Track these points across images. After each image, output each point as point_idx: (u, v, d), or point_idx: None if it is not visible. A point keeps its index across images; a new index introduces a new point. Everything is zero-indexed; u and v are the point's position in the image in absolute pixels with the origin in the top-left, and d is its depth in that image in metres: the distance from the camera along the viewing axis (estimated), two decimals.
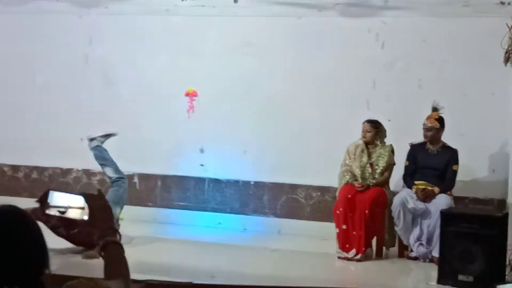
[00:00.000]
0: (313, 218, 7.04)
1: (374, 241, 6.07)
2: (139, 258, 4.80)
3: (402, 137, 6.39)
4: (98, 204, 1.92)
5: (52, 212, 1.86)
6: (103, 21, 7.65)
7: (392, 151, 6.18)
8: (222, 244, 6.55)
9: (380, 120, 6.25)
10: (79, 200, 1.94)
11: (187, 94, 7.47)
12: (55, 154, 7.77)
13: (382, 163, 6.08)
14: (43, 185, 7.73)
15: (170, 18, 7.45)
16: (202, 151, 7.46)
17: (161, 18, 7.47)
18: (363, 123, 6.19)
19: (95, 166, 7.61)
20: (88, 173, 7.71)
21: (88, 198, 1.93)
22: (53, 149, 7.76)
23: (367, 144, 6.16)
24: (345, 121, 6.91)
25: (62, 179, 7.78)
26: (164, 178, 7.53)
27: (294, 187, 7.18)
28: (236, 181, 7.35)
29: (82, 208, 1.93)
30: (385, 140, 6.23)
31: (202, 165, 7.45)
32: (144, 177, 7.57)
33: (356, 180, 6.04)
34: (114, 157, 7.51)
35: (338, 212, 5.91)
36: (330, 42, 7.09)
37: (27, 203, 7.34)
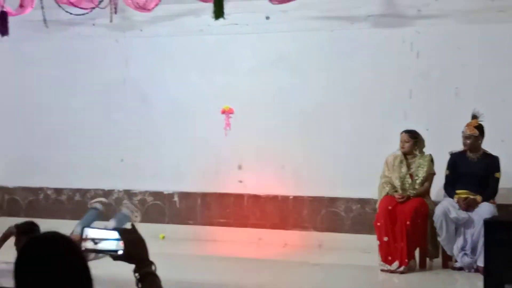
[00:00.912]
0: (354, 231, 6.99)
1: (417, 253, 5.99)
2: (181, 277, 4.86)
3: (441, 146, 6.32)
4: (132, 237, 1.96)
5: (88, 244, 1.89)
6: (139, 43, 7.80)
7: (432, 161, 6.11)
8: (263, 260, 6.56)
9: (418, 130, 6.19)
10: (114, 235, 1.96)
11: (223, 112, 7.53)
12: (96, 176, 7.92)
13: (421, 173, 6.02)
14: (86, 207, 7.89)
15: (204, 38, 7.55)
16: (240, 167, 7.50)
17: (195, 38, 7.58)
18: (401, 133, 6.14)
19: (135, 186, 7.77)
20: (129, 193, 7.82)
21: (122, 232, 1.96)
22: (94, 171, 7.91)
23: (405, 154, 6.10)
24: (383, 132, 6.88)
25: (105, 200, 7.89)
26: (204, 195, 7.59)
27: (333, 200, 7.15)
28: (275, 196, 7.36)
29: (117, 245, 1.95)
30: (424, 149, 6.17)
31: (240, 181, 7.48)
32: (184, 195, 7.64)
33: (396, 191, 5.99)
34: (151, 177, 7.68)
35: (379, 224, 5.86)
36: (364, 54, 7.08)
37: (71, 226, 7.55)
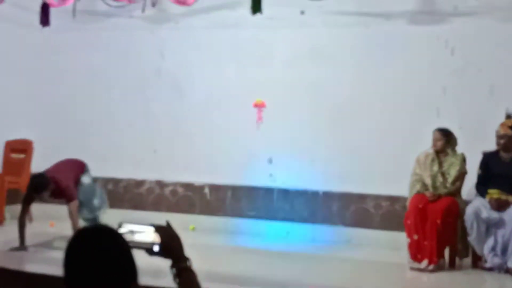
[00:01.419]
0: (383, 228, 6.98)
1: (447, 252, 5.96)
2: (211, 268, 4.92)
3: (474, 145, 6.27)
4: (168, 234, 2.02)
5: (126, 236, 1.95)
6: (174, 35, 7.88)
7: (464, 160, 6.06)
8: (291, 254, 6.58)
9: (450, 128, 6.14)
10: (150, 231, 2.02)
11: (256, 105, 7.58)
12: (129, 166, 8.04)
13: (453, 172, 5.97)
14: (118, 196, 8.03)
15: (239, 31, 7.60)
16: (270, 161, 7.54)
17: (230, 31, 7.63)
18: (433, 131, 6.09)
19: (167, 177, 7.87)
20: (160, 184, 7.92)
21: (158, 228, 2.02)
22: (127, 161, 8.04)
23: (437, 152, 6.06)
24: (415, 129, 6.85)
25: (136, 190, 8.03)
26: (234, 188, 7.65)
27: (363, 196, 7.15)
28: (305, 191, 7.38)
29: (153, 241, 2.00)
30: (456, 148, 6.12)
31: (271, 175, 7.53)
32: (214, 187, 7.71)
33: (427, 189, 5.96)
34: (183, 169, 7.77)
35: (409, 222, 5.84)
36: (398, 50, 7.05)
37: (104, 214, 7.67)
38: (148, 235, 2.01)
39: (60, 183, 6.16)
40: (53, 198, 6.39)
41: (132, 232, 2.02)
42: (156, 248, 1.99)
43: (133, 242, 1.97)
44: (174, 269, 1.96)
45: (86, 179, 6.59)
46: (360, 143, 7.16)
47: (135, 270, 1.80)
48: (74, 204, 6.24)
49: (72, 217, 6.19)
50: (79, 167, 6.63)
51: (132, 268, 1.80)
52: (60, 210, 7.97)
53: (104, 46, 8.17)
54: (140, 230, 2.02)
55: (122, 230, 2.01)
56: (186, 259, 2.00)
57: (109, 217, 7.70)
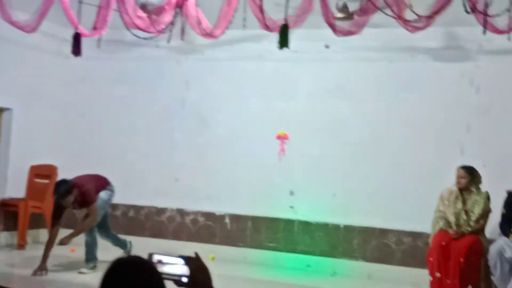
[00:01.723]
0: (404, 264, 6.93)
1: None
2: None
3: (498, 183, 6.22)
4: (197, 265, 2.03)
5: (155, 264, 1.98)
6: (200, 66, 7.99)
7: (488, 198, 6.02)
8: (311, 287, 6.54)
9: (474, 166, 6.12)
10: (179, 262, 2.03)
11: (279, 137, 7.61)
12: (151, 193, 8.09)
13: (477, 210, 5.93)
14: (139, 223, 8.07)
15: (263, 64, 7.68)
16: (292, 193, 7.54)
17: (255, 63, 7.72)
18: (458, 169, 6.07)
19: (188, 206, 7.89)
20: (181, 212, 7.95)
21: (188, 260, 2.03)
22: (149, 188, 8.09)
23: (461, 190, 6.03)
24: (438, 166, 6.83)
25: (157, 218, 8.06)
26: (255, 219, 7.65)
27: (384, 231, 7.11)
28: (326, 224, 7.36)
29: (182, 273, 2.01)
30: (480, 186, 6.08)
31: (292, 207, 7.52)
32: (235, 217, 7.72)
33: (450, 227, 5.92)
34: (204, 198, 7.80)
35: (431, 259, 5.79)
36: (423, 86, 7.07)
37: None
38: (177, 266, 2.02)
39: (82, 187, 6.29)
40: (76, 207, 6.45)
41: (161, 262, 2.03)
42: (184, 280, 2.00)
43: (162, 273, 1.98)
44: None
45: (104, 195, 6.66)
46: (383, 178, 7.15)
47: None
48: (94, 206, 6.38)
49: (86, 220, 6.38)
50: (103, 181, 6.76)
51: None
52: (82, 236, 8.04)
53: (130, 75, 8.30)
54: (169, 261, 2.03)
55: (152, 261, 2.02)
56: None
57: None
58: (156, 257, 2.04)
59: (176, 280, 2.01)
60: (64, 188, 6.19)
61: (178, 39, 6.75)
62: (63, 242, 6.31)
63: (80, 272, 6.36)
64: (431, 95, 7.02)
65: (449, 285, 5.67)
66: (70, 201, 6.26)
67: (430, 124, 7.00)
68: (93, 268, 6.44)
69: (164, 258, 2.04)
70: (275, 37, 6.55)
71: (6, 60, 7.62)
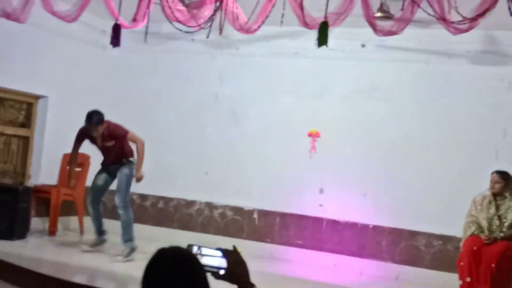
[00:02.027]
0: (433, 267, 6.88)
1: None
2: None
3: None
4: (234, 259, 2.03)
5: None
6: (234, 61, 8.01)
7: None
8: (338, 286, 6.52)
9: (509, 172, 6.04)
10: (217, 255, 2.03)
11: (310, 135, 7.60)
12: (180, 186, 8.14)
13: (511, 216, 5.85)
14: (168, 215, 8.13)
15: (298, 61, 7.67)
16: (321, 191, 7.53)
17: (290, 60, 7.71)
18: (492, 173, 6.00)
19: (217, 200, 7.92)
20: (210, 206, 7.99)
21: (225, 253, 2.02)
22: (179, 181, 8.14)
23: (495, 195, 5.96)
24: (471, 170, 6.76)
25: (186, 210, 8.11)
26: (283, 215, 7.65)
27: (414, 233, 7.06)
28: (355, 224, 7.34)
29: (220, 265, 2.01)
30: None
31: (321, 205, 7.51)
32: (263, 213, 7.73)
33: (482, 232, 5.85)
34: (234, 192, 7.82)
35: (462, 264, 5.74)
36: (459, 89, 7.00)
37: (153, 231, 7.79)
38: (214, 258, 2.02)
39: (111, 124, 6.57)
40: (105, 140, 6.59)
41: (199, 254, 2.03)
42: (222, 272, 2.00)
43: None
44: None
45: (128, 170, 6.69)
46: (414, 180, 7.09)
47: None
48: (130, 133, 6.59)
49: (137, 148, 6.62)
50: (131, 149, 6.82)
51: None
52: (112, 224, 8.14)
53: (165, 68, 8.35)
54: (207, 253, 2.03)
55: (192, 251, 2.02)
56: (251, 285, 2.00)
57: (158, 235, 7.84)
58: (194, 248, 2.05)
59: (214, 272, 2.01)
60: (97, 117, 6.47)
61: (214, 34, 6.77)
62: (139, 178, 6.62)
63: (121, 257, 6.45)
64: (468, 99, 6.94)
65: None
66: (99, 132, 6.50)
67: (466, 128, 6.93)
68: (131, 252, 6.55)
69: (202, 250, 2.04)
70: (311, 34, 6.52)
71: (44, 49, 7.72)
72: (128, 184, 6.70)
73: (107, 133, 6.57)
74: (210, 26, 6.07)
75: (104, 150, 6.74)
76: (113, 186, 6.87)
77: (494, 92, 6.85)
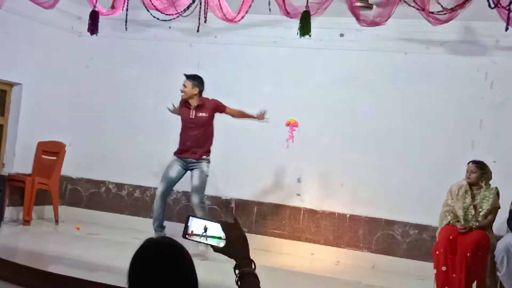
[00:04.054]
0: (409, 256, 6.93)
1: (474, 286, 5.88)
2: (231, 284, 4.89)
3: (508, 180, 6.23)
4: (235, 233, 1.95)
5: (193, 238, 1.92)
6: (212, 50, 7.94)
7: (497, 194, 5.99)
8: (314, 275, 6.54)
9: (485, 161, 6.09)
10: (217, 228, 1.98)
11: (288, 124, 7.59)
12: (157, 174, 8.05)
13: (486, 206, 5.90)
14: (144, 204, 8.07)
15: (276, 49, 7.64)
16: (299, 180, 7.53)
17: (268, 49, 7.67)
18: (468, 163, 6.03)
19: None
20: (187, 195, 7.92)
21: (225, 226, 1.95)
22: (155, 169, 8.06)
23: (471, 185, 6.00)
24: (447, 160, 6.82)
25: None
26: (260, 204, 7.65)
27: (390, 223, 7.10)
28: (332, 213, 7.36)
29: (219, 238, 1.96)
30: (490, 182, 6.05)
31: (298, 194, 7.52)
32: (241, 202, 7.72)
33: (458, 221, 5.90)
34: (212, 182, 7.76)
35: (438, 252, 5.77)
36: (436, 79, 7.03)
37: (129, 221, 7.73)
38: (215, 231, 1.96)
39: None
40: (196, 110, 6.54)
41: (199, 226, 1.97)
42: (221, 245, 1.95)
43: (199, 236, 1.95)
44: (237, 271, 1.90)
45: (207, 168, 6.57)
46: (391, 169, 7.13)
47: (197, 285, 1.80)
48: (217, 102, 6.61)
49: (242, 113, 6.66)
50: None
51: (195, 283, 1.79)
52: (87, 214, 8.06)
53: (142, 55, 8.26)
54: (207, 226, 1.98)
55: (189, 224, 1.97)
56: (250, 261, 1.93)
57: (134, 224, 7.79)
58: (194, 221, 1.99)
59: (212, 245, 1.96)
60: (195, 76, 6.56)
61: (192, 22, 6.69)
62: (260, 117, 6.64)
63: None
64: (445, 88, 6.99)
65: (455, 279, 5.66)
66: (195, 103, 6.48)
67: (443, 117, 6.97)
68: None
69: (202, 222, 1.99)
70: (290, 23, 6.54)
71: (19, 35, 7.58)
72: (206, 184, 6.53)
73: (203, 102, 6.51)
74: (191, 13, 6.00)
75: (191, 125, 6.56)
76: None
77: (471, 82, 6.89)
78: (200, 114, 6.55)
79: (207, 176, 6.55)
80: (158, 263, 1.75)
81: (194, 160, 6.53)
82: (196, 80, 6.56)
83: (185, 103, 6.61)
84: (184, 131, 6.65)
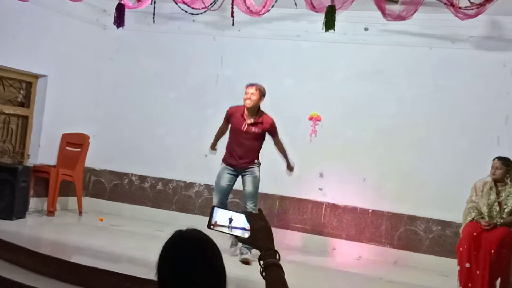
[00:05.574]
0: (432, 253, 6.89)
1: (497, 282, 5.82)
2: (252, 276, 4.90)
3: None
4: (259, 224, 1.95)
5: (217, 229, 1.93)
6: (235, 43, 7.94)
7: None
8: (336, 270, 6.53)
9: (511, 158, 6.01)
10: (242, 219, 1.98)
11: (311, 118, 7.56)
12: (180, 168, 8.11)
13: (511, 203, 5.84)
14: (167, 196, 8.11)
15: (300, 43, 7.61)
16: (321, 175, 7.51)
17: (292, 43, 7.64)
18: (493, 160, 5.97)
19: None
20: (209, 188, 7.96)
21: (250, 217, 1.95)
22: (178, 163, 8.11)
23: (496, 181, 5.94)
24: (473, 155, 6.75)
25: (185, 192, 8.09)
26: (282, 199, 7.64)
27: (413, 218, 7.06)
28: (354, 208, 7.33)
29: (244, 229, 1.96)
30: None
31: (320, 189, 7.50)
32: (263, 196, 7.68)
33: (482, 218, 5.84)
34: None
35: (461, 249, 5.73)
36: (462, 74, 6.96)
37: (150, 213, 7.78)
38: (239, 222, 1.96)
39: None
40: (250, 125, 6.27)
41: (224, 217, 1.98)
42: (246, 235, 1.95)
43: (224, 226, 1.95)
44: (262, 262, 1.89)
45: (258, 172, 6.44)
46: (415, 165, 7.08)
47: (225, 279, 1.80)
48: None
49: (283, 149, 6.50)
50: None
51: (223, 277, 1.80)
52: (110, 205, 8.13)
53: (166, 48, 8.28)
54: (232, 217, 1.98)
55: (214, 215, 1.97)
56: (274, 252, 1.92)
57: (156, 217, 7.83)
58: (219, 211, 1.99)
59: (238, 235, 1.96)
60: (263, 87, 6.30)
61: (216, 16, 6.71)
62: (290, 169, 6.56)
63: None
64: (471, 84, 6.91)
65: (478, 276, 5.61)
66: (254, 100, 6.19)
67: (468, 112, 6.90)
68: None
69: (227, 213, 1.99)
70: (313, 17, 6.51)
71: (44, 27, 7.65)
72: (258, 188, 6.42)
73: (262, 120, 6.25)
74: (219, 7, 5.99)
75: (242, 138, 6.28)
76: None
77: (497, 77, 6.81)
78: (253, 129, 6.27)
79: (259, 180, 6.39)
80: (188, 255, 1.75)
81: (245, 166, 6.35)
82: (264, 91, 6.26)
83: (239, 111, 6.31)
84: (233, 139, 6.40)
